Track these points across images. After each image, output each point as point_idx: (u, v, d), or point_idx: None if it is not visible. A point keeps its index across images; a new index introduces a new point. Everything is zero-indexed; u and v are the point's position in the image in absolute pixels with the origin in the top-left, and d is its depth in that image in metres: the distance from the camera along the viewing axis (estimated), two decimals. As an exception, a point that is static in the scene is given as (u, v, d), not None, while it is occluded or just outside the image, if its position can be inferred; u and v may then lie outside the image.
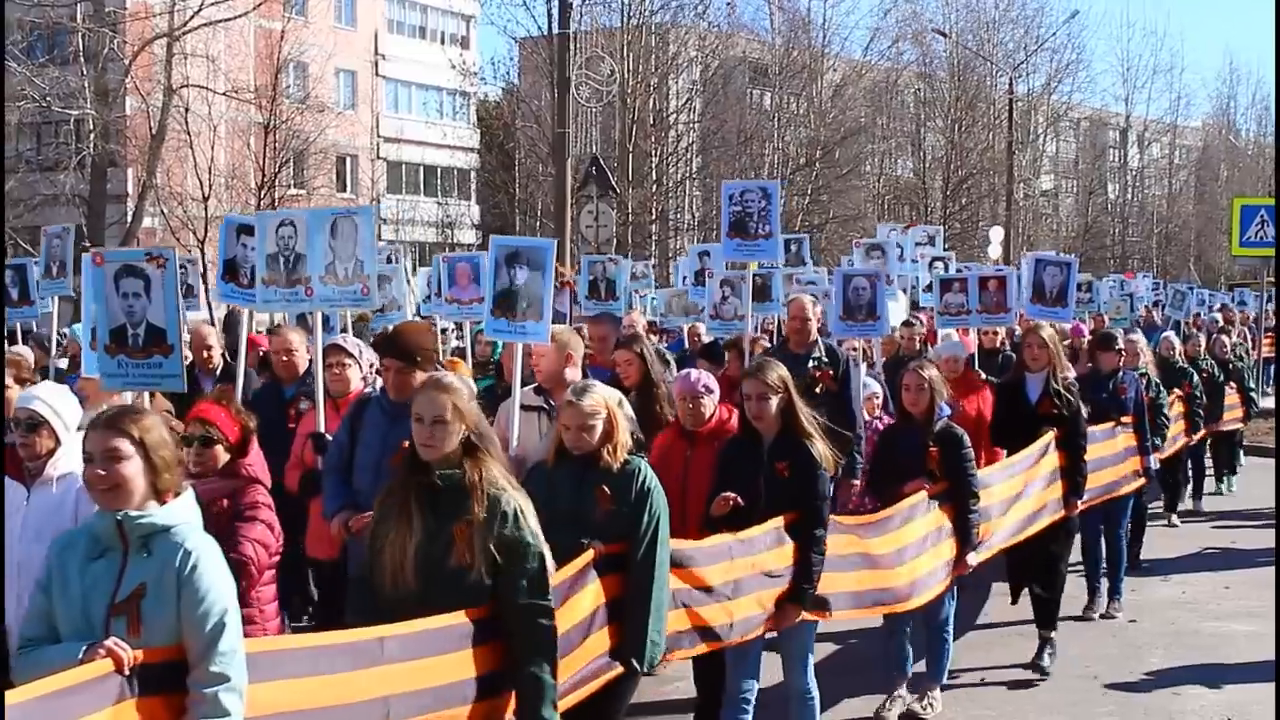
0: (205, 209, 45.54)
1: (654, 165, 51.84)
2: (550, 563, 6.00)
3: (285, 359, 10.79)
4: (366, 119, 62.56)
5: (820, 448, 7.99)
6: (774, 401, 7.97)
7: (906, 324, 15.68)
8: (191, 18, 43.53)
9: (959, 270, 20.87)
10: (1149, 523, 15.61)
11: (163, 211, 45.93)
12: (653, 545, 6.82)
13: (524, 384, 9.40)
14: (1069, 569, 11.67)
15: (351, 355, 9.68)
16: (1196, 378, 17.22)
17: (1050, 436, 10.96)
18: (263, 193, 47.16)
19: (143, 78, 45.00)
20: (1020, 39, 70.87)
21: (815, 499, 7.91)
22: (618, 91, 46.40)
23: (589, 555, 6.68)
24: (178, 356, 7.75)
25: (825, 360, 11.38)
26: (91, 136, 43.71)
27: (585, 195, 33.11)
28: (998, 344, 15.95)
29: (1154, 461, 13.35)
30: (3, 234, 9.98)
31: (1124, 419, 12.60)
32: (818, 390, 10.77)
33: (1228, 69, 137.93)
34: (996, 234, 50.89)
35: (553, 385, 9.19)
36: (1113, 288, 28.97)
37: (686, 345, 17.57)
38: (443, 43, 65.36)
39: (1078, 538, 12.02)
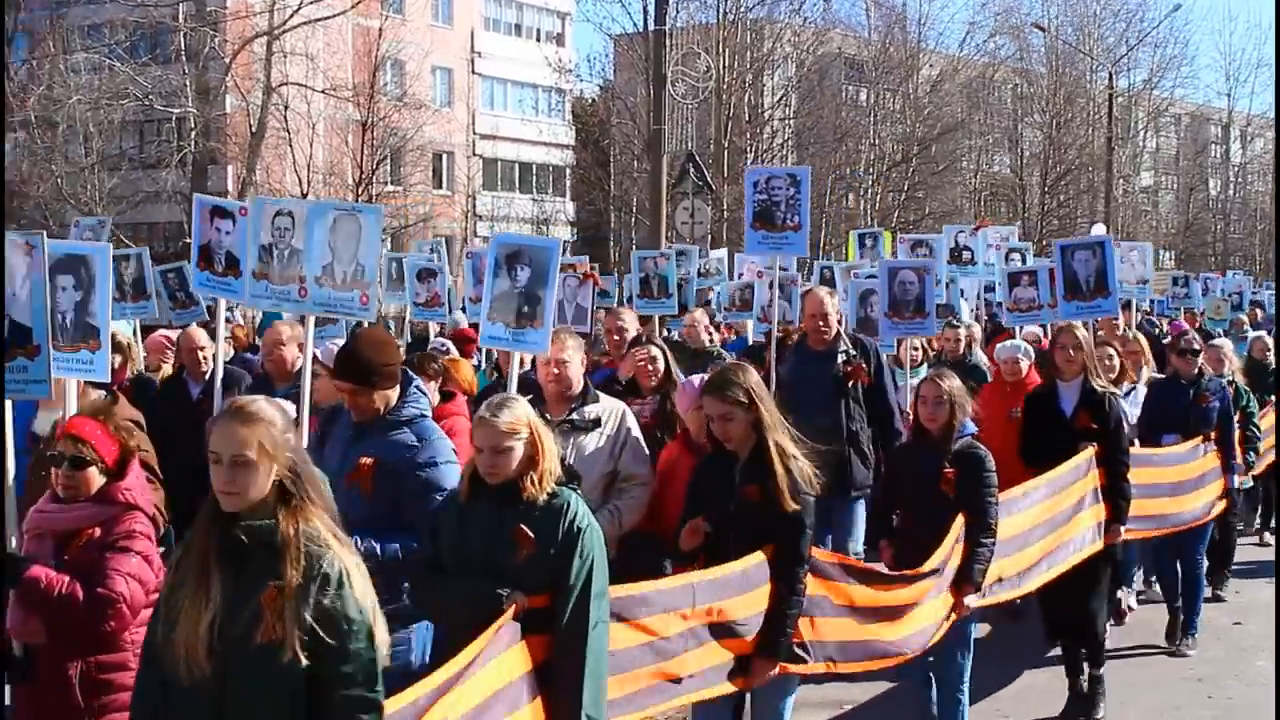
0: (304, 206, 45.98)
1: (749, 162, 51.70)
2: (383, 640, 4.62)
3: (274, 353, 10.36)
4: (462, 116, 62.88)
5: (798, 467, 6.87)
6: (740, 419, 6.92)
7: (950, 325, 14.16)
8: (291, 16, 43.98)
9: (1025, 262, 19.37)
10: (1240, 538, 14.63)
11: (262, 208, 46.37)
12: (584, 598, 5.67)
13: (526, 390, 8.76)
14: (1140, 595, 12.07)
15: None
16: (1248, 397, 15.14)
17: (1089, 453, 9.70)
18: (360, 189, 47.61)
19: (243, 76, 45.56)
20: (1121, 33, 70.07)
21: (789, 530, 6.78)
22: (713, 88, 46.36)
23: (509, 611, 5.63)
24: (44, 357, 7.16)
25: (854, 354, 10.75)
26: (193, 134, 44.30)
27: (680, 192, 33.10)
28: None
29: (1238, 481, 12.00)
30: (2, 226, 9.76)
31: (1209, 435, 11.36)
32: (850, 386, 10.55)
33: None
34: (1099, 229, 50.22)
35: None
36: (1212, 283, 28.71)
37: (750, 342, 16.82)
38: (538, 40, 65.59)
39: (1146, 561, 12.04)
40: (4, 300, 6.90)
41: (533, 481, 5.84)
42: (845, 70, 62.58)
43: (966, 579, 8.10)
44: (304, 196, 45.60)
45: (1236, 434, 11.91)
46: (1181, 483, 11.10)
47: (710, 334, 14.86)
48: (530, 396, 7.29)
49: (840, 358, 10.65)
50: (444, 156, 60.36)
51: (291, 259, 8.70)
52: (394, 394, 6.94)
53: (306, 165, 47.16)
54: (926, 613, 7.89)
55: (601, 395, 8.23)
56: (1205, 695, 10.25)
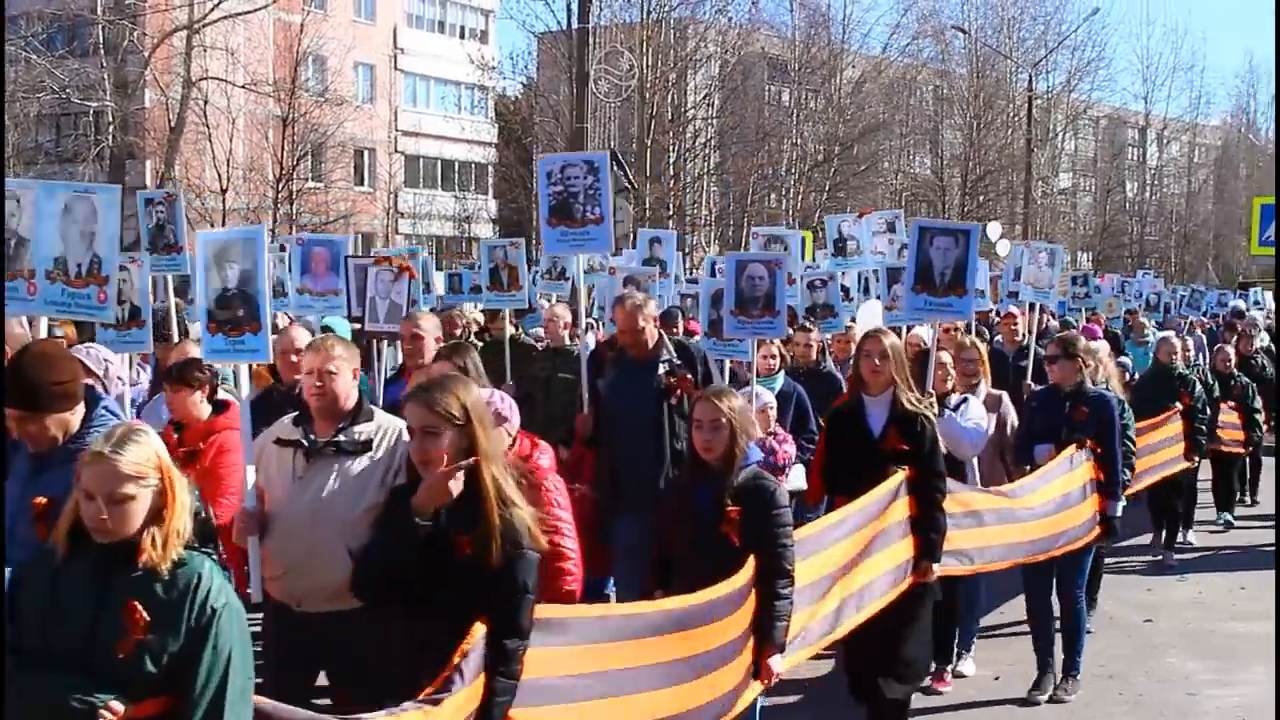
0: (223, 201, 45.81)
1: (672, 161, 51.80)
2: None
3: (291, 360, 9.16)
4: (385, 113, 62.56)
5: (517, 515, 5.38)
6: (448, 438, 5.42)
7: (802, 328, 12.95)
8: (211, 10, 43.64)
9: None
10: (1137, 557, 14.98)
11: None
12: (218, 704, 4.43)
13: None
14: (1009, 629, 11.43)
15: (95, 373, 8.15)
16: (1199, 387, 15.06)
17: (899, 479, 8.45)
18: (280, 185, 47.31)
19: (162, 70, 45.14)
20: (1040, 36, 70.81)
21: (503, 596, 5.33)
22: (636, 87, 46.44)
23: None
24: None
25: (678, 363, 9.71)
26: (110, 128, 43.82)
27: (603, 190, 33.08)
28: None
29: (1119, 508, 10.49)
30: (1, 226, 9.60)
31: (1083, 443, 10.22)
32: (674, 400, 9.42)
33: (1248, 67, 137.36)
34: (995, 230, 50.29)
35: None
36: (1129, 286, 28.48)
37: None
38: (462, 37, 65.37)
39: (1019, 599, 10.89)
40: (3, 293, 6.89)
41: (154, 542, 4.49)
42: (768, 70, 62.81)
43: (767, 639, 6.88)
44: (224, 192, 45.38)
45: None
46: (1066, 496, 10.08)
47: (569, 330, 13.32)
48: (298, 414, 6.90)
49: (661, 368, 9.64)
50: (366, 153, 60.04)
51: (19, 250, 7.67)
52: (74, 418, 6.03)
53: (226, 161, 46.78)
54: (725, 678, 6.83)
55: (378, 412, 6.99)
56: (1116, 692, 10.37)
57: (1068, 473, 10.13)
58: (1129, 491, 12.18)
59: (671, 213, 51.91)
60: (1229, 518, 17.09)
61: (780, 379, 11.51)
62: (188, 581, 4.49)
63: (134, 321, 10.53)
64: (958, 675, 10.58)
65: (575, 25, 38.91)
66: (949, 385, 10.40)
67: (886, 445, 8.51)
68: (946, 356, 10.56)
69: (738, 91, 58.01)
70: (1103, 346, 12.55)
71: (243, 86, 46.57)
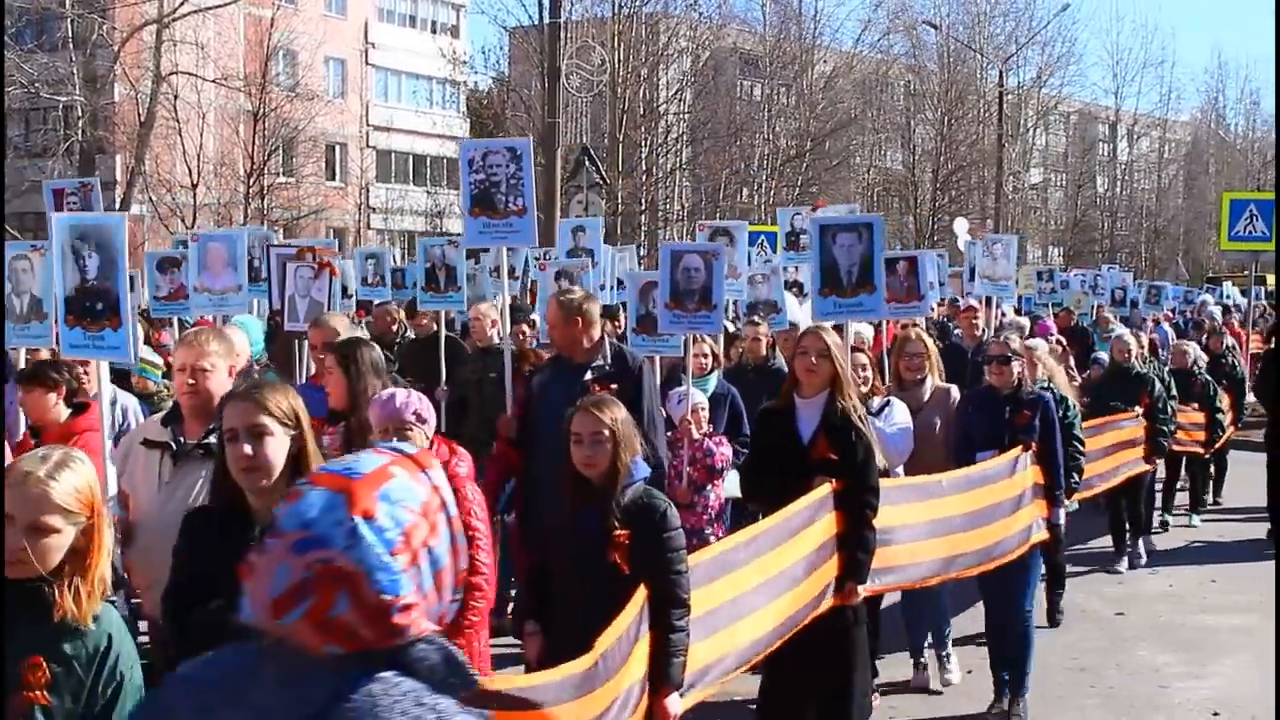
0: (194, 196, 45.68)
1: (644, 156, 51.77)
2: None
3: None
4: (356, 108, 62.43)
5: None
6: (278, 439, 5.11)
7: (751, 322, 12.38)
8: (181, 4, 43.48)
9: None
10: (1092, 569, 14.15)
11: (151, 199, 45.85)
12: None
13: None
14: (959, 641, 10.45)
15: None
16: (1158, 386, 14.31)
17: (825, 491, 7.59)
18: (251, 180, 47.16)
19: (131, 64, 44.94)
20: (1011, 32, 71.02)
21: None
22: (608, 82, 46.38)
23: None
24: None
25: (609, 369, 8.85)
26: (80, 123, 43.61)
27: (575, 185, 33.05)
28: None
29: (1062, 515, 10.01)
30: (1, 226, 9.50)
31: (1029, 445, 9.58)
32: None
33: (1216, 63, 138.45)
34: (961, 225, 50.08)
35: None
36: (1084, 280, 27.81)
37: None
38: (433, 32, 65.25)
39: (972, 613, 10.50)
40: (3, 296, 6.80)
41: (76, 594, 3.98)
42: (740, 65, 62.86)
43: (662, 677, 6.05)
44: (194, 187, 45.19)
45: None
46: (997, 505, 9.30)
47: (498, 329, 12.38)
48: (167, 413, 6.50)
49: (589, 374, 8.75)
50: (337, 148, 59.94)
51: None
52: None
53: (197, 155, 46.64)
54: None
55: None
56: (1088, 685, 10.40)
57: (1008, 478, 9.43)
58: (1081, 496, 12.20)
59: (644, 208, 51.92)
60: (1195, 520, 16.67)
61: (714, 380, 10.74)
62: (97, 645, 4.00)
63: (36, 314, 9.60)
64: (946, 684, 10.21)
65: (547, 20, 38.75)
66: (867, 389, 9.53)
67: (815, 453, 7.69)
68: (863, 357, 9.84)
69: (710, 86, 58.05)
70: (1041, 344, 11.43)
71: (213, 81, 46.43)
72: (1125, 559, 14.29)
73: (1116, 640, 11.66)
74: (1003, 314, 19.43)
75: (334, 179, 59.57)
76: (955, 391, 10.30)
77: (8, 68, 41.18)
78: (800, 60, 61.92)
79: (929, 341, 10.64)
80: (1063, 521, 10.12)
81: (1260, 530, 15.80)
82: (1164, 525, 16.21)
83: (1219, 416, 16.37)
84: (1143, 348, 15.37)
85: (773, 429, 8.03)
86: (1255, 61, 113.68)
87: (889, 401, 9.59)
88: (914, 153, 68.80)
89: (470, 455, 7.32)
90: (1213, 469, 17.87)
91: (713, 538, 9.00)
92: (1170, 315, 28.52)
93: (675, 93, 56.02)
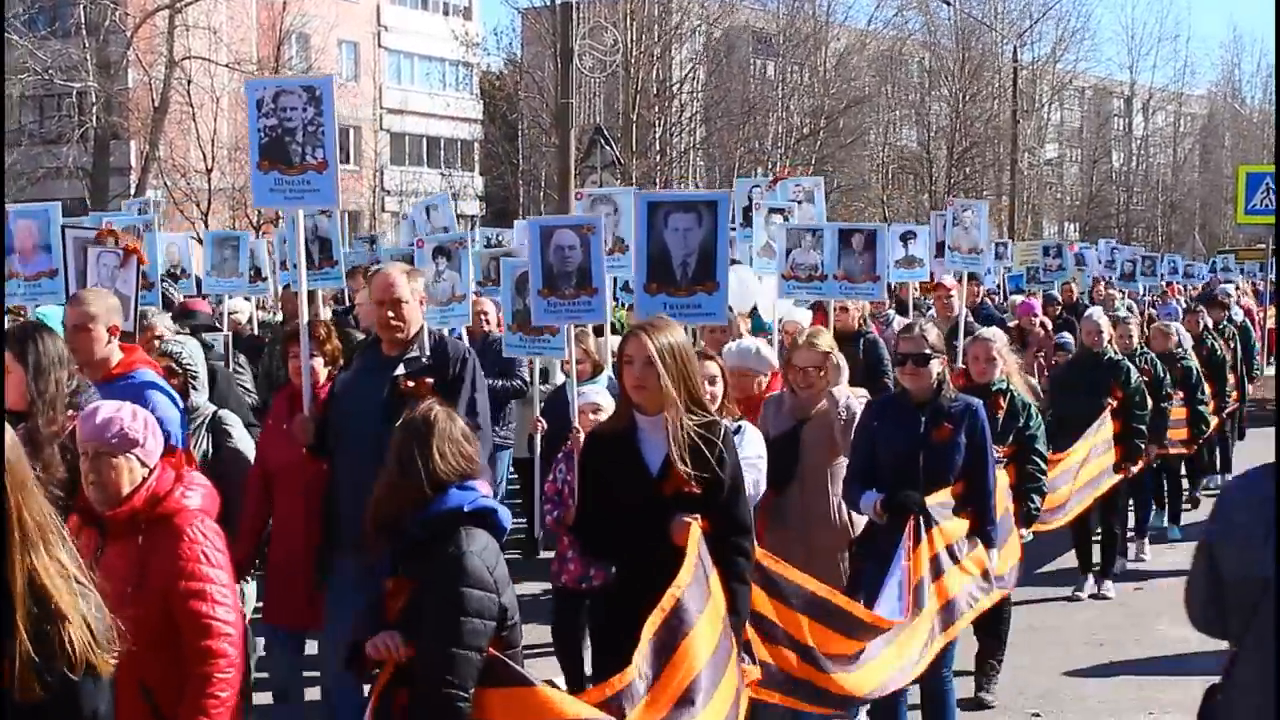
0: (208, 181, 45.66)
1: (658, 136, 51.68)
2: None
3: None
4: (369, 91, 62.41)
5: None
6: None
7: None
8: (193, -12, 43.48)
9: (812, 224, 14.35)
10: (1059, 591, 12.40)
11: (166, 184, 45.91)
12: None
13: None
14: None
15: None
16: (1135, 376, 12.19)
17: (695, 537, 5.77)
18: (266, 165, 47.17)
19: (145, 50, 45.01)
20: (1025, 6, 70.65)
21: None
22: (621, 61, 46.25)
23: None
24: None
25: (426, 361, 7.46)
26: (94, 109, 43.74)
27: (589, 166, 33.01)
28: (854, 324, 12.22)
29: (998, 559, 8.15)
30: (2, 212, 9.34)
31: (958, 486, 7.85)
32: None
33: (1232, 36, 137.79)
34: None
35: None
36: (1103, 253, 27.16)
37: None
38: (445, 14, 65.18)
39: None
40: (3, 291, 6.68)
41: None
42: (753, 44, 62.68)
43: None
44: (208, 173, 45.24)
45: (1000, 479, 8.40)
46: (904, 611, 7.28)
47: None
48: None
49: (400, 368, 7.42)
50: (350, 131, 59.86)
51: None
52: None
53: (211, 140, 46.64)
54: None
55: None
56: (1107, 659, 10.40)
57: (905, 562, 7.30)
58: (1046, 527, 10.46)
59: (658, 187, 51.89)
60: (1174, 532, 14.70)
61: (602, 382, 9.61)
62: None
63: None
64: None
65: (559, 1, 38.73)
66: (715, 405, 7.09)
67: (670, 486, 5.95)
68: (714, 367, 7.57)
69: (722, 65, 57.88)
70: (998, 335, 9.82)
71: (226, 65, 46.43)
72: (1090, 579, 12.38)
73: (1135, 615, 11.66)
74: (983, 291, 18.71)
75: (348, 162, 59.56)
76: (843, 394, 8.17)
77: (21, 55, 41.31)
78: (814, 37, 61.68)
79: (826, 340, 8.38)
80: (996, 566, 8.06)
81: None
82: (1194, 502, 16.06)
83: (1200, 409, 14.30)
84: (1128, 332, 13.10)
85: (609, 458, 6.19)
86: (1272, 35, 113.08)
87: (740, 428, 7.42)
88: (929, 129, 68.53)
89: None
90: (1216, 455, 17.30)
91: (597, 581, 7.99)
92: (1177, 289, 27.86)
93: (688, 72, 55.88)
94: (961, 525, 7.78)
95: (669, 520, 5.87)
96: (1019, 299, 19.45)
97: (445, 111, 62.56)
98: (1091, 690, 9.77)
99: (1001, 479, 8.60)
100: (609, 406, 8.00)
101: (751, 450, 7.35)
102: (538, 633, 9.54)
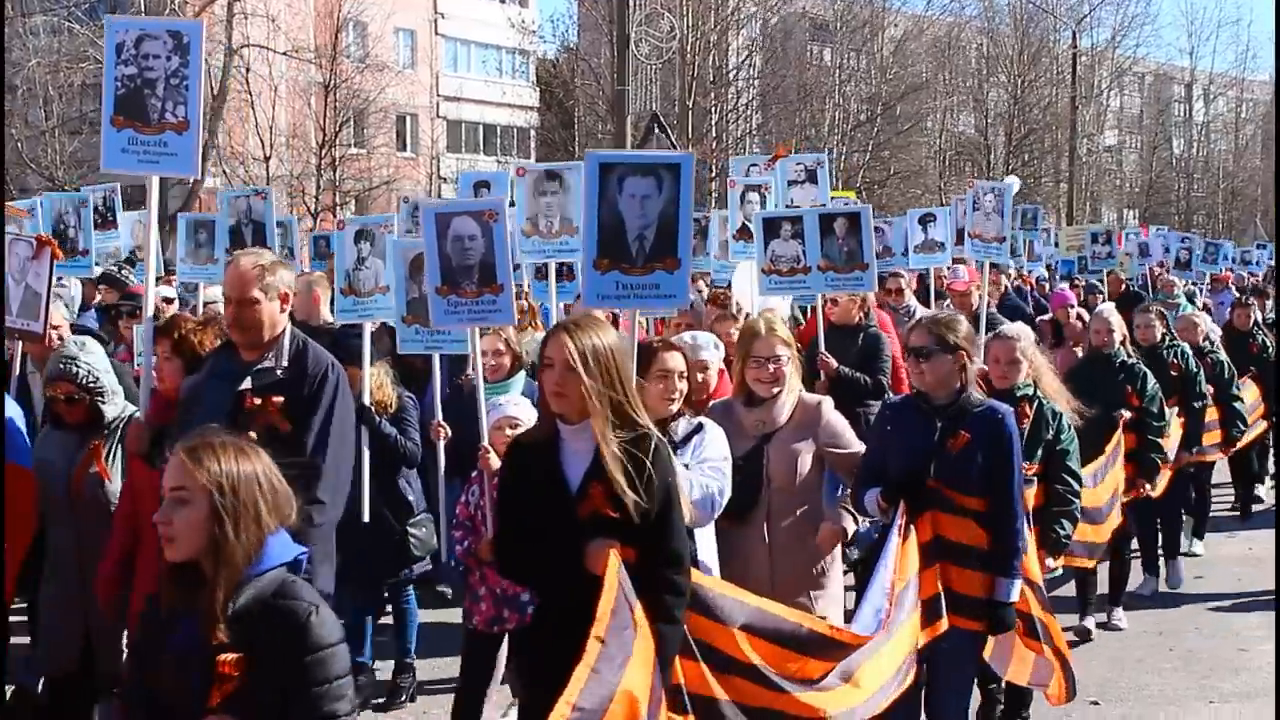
0: (267, 169, 46.00)
1: (714, 123, 51.60)
2: None
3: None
4: (426, 78, 62.58)
5: None
6: None
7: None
8: (252, -23, 43.73)
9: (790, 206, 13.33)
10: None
11: (225, 171, 46.22)
12: None
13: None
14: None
15: None
16: (1151, 380, 10.71)
17: (612, 575, 4.96)
18: (323, 152, 47.47)
19: (204, 38, 45.26)
20: (1084, -8, 70.18)
21: None
22: (677, 48, 46.21)
23: None
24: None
25: (282, 373, 6.48)
26: (154, 97, 44.02)
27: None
28: (855, 316, 11.08)
29: (1015, 590, 6.76)
30: (1, 212, 9.41)
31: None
32: (263, 428, 6.14)
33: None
34: (1013, 183, 48.29)
35: None
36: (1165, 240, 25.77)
37: None
38: (502, 1, 65.25)
39: None
40: (3, 287, 6.55)
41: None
42: (810, 30, 62.47)
43: None
44: (267, 160, 45.53)
45: (1021, 526, 6.94)
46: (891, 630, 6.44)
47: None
48: None
49: (248, 381, 6.47)
50: (407, 119, 60.08)
51: None
52: None
53: (269, 128, 46.95)
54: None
55: None
56: (1167, 648, 10.35)
57: (892, 559, 6.48)
58: (1075, 562, 9.47)
59: (714, 175, 51.86)
60: (1198, 547, 13.44)
61: (519, 383, 8.82)
62: None
63: None
64: None
65: (615, -13, 38.74)
66: (672, 408, 6.64)
67: (587, 507, 5.23)
68: (676, 360, 6.69)
69: (779, 52, 57.75)
70: (1023, 332, 8.74)
71: (284, 53, 46.73)
72: (1110, 610, 10.98)
73: (1196, 602, 11.60)
74: (1011, 281, 17.97)
75: (405, 149, 59.76)
76: (829, 406, 7.29)
77: (82, 43, 41.66)
78: (871, 24, 61.46)
79: (783, 330, 7.31)
80: (1014, 598, 6.76)
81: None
82: (1244, 514, 15.10)
83: (1237, 406, 13.13)
84: (1151, 328, 11.97)
85: (528, 471, 5.45)
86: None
87: (699, 426, 6.65)
88: (986, 116, 68.19)
89: None
90: (1270, 461, 16.14)
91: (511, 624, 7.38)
92: (1233, 275, 26.43)
93: (744, 59, 55.76)
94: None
95: (585, 544, 5.16)
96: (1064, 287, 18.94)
97: (501, 99, 62.67)
98: (1151, 680, 9.71)
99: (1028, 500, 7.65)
100: (529, 419, 7.18)
101: (714, 452, 6.52)
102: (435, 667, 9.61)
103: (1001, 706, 8.60)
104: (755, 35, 57.03)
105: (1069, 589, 10.86)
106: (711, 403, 7.39)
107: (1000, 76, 68.61)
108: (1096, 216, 68.45)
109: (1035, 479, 8.06)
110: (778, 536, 6.90)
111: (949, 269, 16.72)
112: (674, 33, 44.09)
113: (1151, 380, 10.69)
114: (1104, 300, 16.58)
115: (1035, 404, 8.21)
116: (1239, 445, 13.46)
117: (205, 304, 13.31)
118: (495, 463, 7.21)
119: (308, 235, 16.47)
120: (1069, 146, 62.71)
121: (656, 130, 32.26)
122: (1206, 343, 13.34)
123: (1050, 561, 8.03)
